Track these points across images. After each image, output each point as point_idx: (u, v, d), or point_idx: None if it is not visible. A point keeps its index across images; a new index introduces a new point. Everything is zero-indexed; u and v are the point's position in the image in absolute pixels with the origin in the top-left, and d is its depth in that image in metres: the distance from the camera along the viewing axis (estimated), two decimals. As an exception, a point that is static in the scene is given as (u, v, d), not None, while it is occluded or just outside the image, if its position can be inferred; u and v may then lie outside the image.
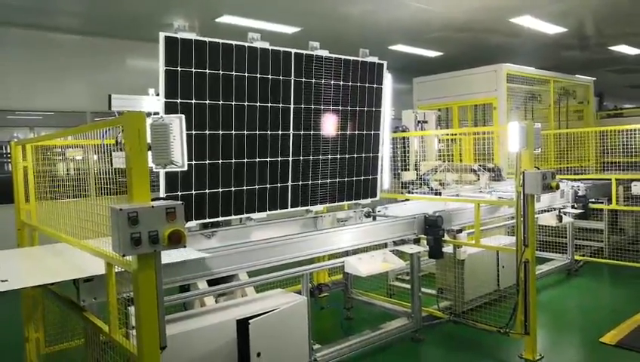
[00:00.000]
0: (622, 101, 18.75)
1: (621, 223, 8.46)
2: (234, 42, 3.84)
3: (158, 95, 3.70)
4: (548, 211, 6.47)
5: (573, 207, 6.95)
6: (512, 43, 10.66)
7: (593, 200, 7.53)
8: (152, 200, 2.27)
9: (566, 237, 7.55)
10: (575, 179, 7.59)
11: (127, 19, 8.45)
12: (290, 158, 4.32)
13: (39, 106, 8.95)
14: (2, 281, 2.65)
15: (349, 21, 8.91)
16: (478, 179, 6.66)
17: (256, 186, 4.11)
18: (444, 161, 7.25)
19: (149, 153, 2.25)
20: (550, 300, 6.20)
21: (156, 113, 3.62)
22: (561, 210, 6.57)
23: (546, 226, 7.15)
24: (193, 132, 3.69)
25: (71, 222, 3.17)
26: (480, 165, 6.66)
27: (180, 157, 2.30)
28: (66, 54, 9.06)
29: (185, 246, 2.17)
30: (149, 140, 2.27)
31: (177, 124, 2.31)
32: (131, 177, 2.18)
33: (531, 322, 4.43)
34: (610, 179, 7.46)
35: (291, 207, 4.39)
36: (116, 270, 2.58)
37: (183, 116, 2.32)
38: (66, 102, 9.09)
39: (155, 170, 2.34)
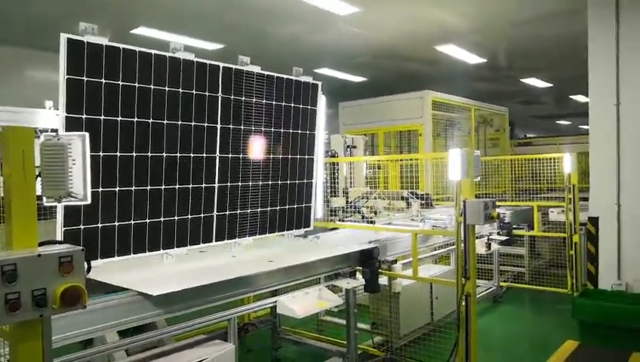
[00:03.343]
0: (527, 130, 20.01)
1: (539, 248, 8.71)
2: (153, 51, 3.33)
3: (57, 109, 3.09)
4: (477, 238, 6.41)
5: (498, 233, 6.98)
6: (432, 71, 10.87)
7: (515, 226, 7.65)
8: (42, 243, 1.71)
9: (488, 263, 7.59)
10: (498, 206, 7.67)
11: (29, 26, 7.54)
12: (216, 185, 3.82)
13: None
14: None
15: (275, 41, 8.59)
16: (409, 207, 6.49)
17: (176, 218, 3.56)
18: (371, 188, 7.05)
19: (38, 181, 1.70)
20: (482, 330, 6.05)
21: (54, 130, 3.01)
22: (489, 237, 6.55)
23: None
24: (101, 153, 3.10)
25: None
26: (410, 192, 6.50)
27: (81, 187, 1.77)
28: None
29: (85, 307, 1.62)
30: (38, 164, 1.72)
31: (79, 145, 1.78)
32: (11, 215, 1.62)
33: (472, 359, 4.20)
34: (532, 206, 7.62)
35: (216, 241, 3.87)
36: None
37: (87, 135, 1.79)
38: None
39: (46, 203, 1.78)
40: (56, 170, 1.71)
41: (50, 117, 3.32)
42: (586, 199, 6.69)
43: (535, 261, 8.53)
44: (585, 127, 6.41)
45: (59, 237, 2.95)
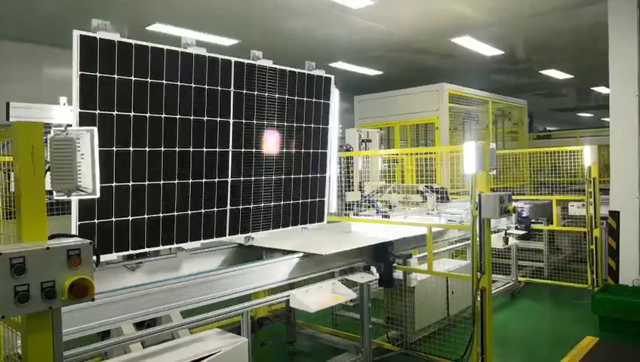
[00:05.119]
0: (546, 123, 19.66)
1: (558, 243, 8.57)
2: (165, 46, 3.34)
3: (71, 105, 3.12)
4: (494, 233, 6.34)
5: (516, 227, 6.88)
6: (449, 63, 10.74)
7: (533, 220, 7.54)
8: (52, 236, 1.74)
9: (506, 258, 7.49)
10: (516, 200, 7.58)
11: (46, 23, 7.65)
12: (229, 179, 3.84)
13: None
14: None
15: (289, 35, 8.57)
16: (425, 201, 6.44)
17: (189, 212, 3.59)
18: (387, 182, 7.00)
19: (48, 175, 1.72)
20: (500, 325, 6.01)
21: (69, 126, 3.05)
22: (507, 232, 6.47)
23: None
24: (114, 149, 3.13)
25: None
26: (426, 186, 6.44)
27: (90, 181, 1.79)
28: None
29: (93, 300, 1.64)
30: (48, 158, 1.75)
31: (87, 140, 1.80)
32: (21, 208, 1.64)
33: (488, 354, 4.16)
34: (551, 200, 7.50)
35: (230, 235, 3.88)
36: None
37: (95, 129, 1.81)
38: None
39: (56, 197, 1.81)
40: (65, 164, 1.73)
41: (65, 113, 3.36)
42: (607, 192, 6.55)
43: (554, 256, 8.40)
44: (608, 119, 6.29)
45: (74, 231, 3.00)
